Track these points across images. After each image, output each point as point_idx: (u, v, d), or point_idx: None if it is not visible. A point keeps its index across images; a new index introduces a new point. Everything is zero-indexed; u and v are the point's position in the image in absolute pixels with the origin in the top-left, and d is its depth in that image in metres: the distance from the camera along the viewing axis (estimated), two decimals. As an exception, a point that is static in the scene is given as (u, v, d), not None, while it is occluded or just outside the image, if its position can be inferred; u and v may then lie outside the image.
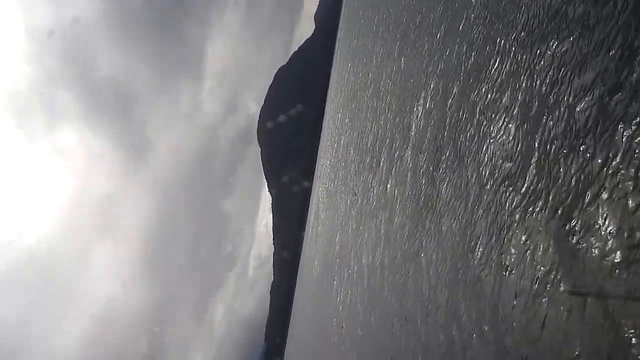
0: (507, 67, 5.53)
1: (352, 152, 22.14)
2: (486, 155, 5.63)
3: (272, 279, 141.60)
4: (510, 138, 5.04)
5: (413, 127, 10.07)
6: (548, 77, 4.50)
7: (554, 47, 4.52)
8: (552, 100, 4.34)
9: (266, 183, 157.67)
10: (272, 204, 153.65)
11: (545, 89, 4.50)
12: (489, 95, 5.87)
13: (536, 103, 4.63)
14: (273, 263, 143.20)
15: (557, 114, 4.20)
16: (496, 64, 5.87)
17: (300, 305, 52.82)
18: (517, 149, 4.85)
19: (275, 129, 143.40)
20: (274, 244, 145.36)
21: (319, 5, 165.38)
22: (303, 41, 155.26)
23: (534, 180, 4.41)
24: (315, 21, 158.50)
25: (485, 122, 5.84)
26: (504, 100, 5.41)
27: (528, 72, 4.97)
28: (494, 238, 5.04)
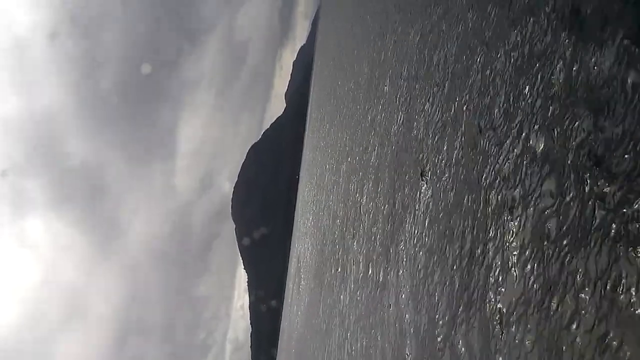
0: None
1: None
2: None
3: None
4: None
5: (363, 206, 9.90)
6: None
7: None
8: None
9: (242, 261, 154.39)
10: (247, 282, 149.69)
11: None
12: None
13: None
14: (251, 344, 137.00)
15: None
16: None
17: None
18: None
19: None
20: (251, 324, 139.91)
21: (289, 85, 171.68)
22: (275, 119, 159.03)
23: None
24: (285, 99, 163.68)
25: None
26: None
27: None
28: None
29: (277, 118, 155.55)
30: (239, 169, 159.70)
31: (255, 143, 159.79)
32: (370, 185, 11.58)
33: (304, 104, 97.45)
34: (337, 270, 15.72)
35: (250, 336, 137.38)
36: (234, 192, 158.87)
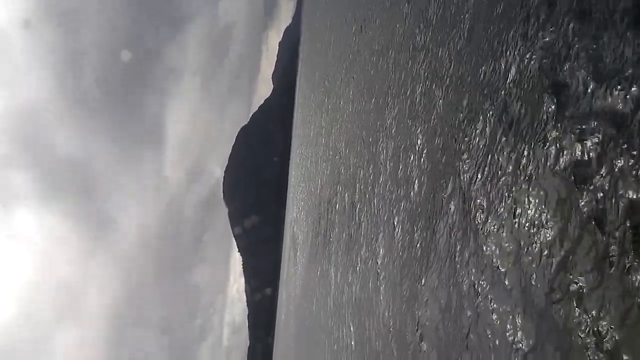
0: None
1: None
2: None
3: (248, 343, 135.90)
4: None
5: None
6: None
7: None
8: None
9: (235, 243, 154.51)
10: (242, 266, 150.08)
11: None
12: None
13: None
14: (248, 326, 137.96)
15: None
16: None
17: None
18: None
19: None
20: (247, 306, 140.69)
21: (275, 66, 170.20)
22: (262, 101, 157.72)
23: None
24: (273, 81, 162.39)
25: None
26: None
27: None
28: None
29: (265, 100, 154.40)
30: (229, 153, 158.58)
31: (245, 126, 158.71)
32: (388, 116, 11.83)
33: (291, 84, 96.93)
34: (337, 220, 16.05)
35: (248, 317, 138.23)
36: (225, 175, 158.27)
